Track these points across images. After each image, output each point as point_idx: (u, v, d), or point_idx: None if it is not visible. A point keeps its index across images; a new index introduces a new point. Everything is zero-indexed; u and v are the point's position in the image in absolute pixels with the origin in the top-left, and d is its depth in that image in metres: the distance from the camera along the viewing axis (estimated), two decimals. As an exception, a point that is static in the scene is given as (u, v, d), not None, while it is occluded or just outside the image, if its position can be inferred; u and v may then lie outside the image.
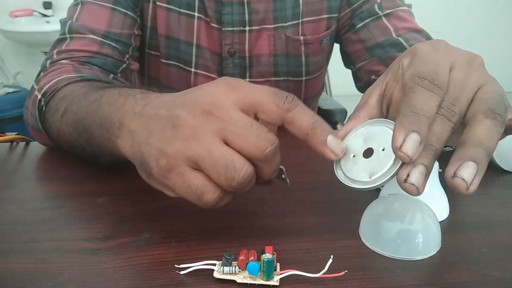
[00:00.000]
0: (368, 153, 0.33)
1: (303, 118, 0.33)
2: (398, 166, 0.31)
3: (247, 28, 0.72)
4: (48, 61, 0.64)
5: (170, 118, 0.33)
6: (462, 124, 0.34)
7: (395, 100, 0.36)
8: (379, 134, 0.34)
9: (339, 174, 0.34)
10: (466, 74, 0.33)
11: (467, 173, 0.29)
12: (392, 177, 0.31)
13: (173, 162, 0.32)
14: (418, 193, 0.30)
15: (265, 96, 0.33)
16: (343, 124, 0.37)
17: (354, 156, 0.34)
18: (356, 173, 0.33)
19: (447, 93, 0.32)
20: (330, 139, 0.33)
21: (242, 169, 0.31)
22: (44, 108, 0.55)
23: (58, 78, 0.57)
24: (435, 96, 0.31)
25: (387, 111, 0.38)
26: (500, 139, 0.33)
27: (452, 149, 0.53)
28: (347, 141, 0.35)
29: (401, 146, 0.30)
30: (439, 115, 0.32)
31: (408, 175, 0.30)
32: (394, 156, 0.31)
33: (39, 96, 0.56)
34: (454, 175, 0.29)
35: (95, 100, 0.44)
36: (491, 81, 0.34)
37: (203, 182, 0.32)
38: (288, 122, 0.33)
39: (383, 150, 0.32)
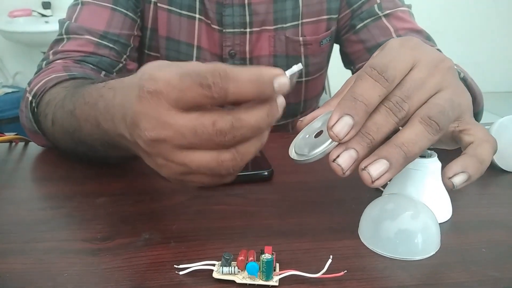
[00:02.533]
0: (319, 134, 0.35)
1: (245, 92, 0.30)
2: (332, 146, 0.33)
3: (247, 30, 0.72)
4: (44, 62, 0.64)
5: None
6: (454, 134, 0.36)
7: None
8: None
9: (290, 148, 0.36)
10: (427, 75, 0.33)
11: (375, 169, 0.32)
12: (323, 154, 0.33)
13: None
14: (344, 174, 0.32)
15: (188, 86, 0.29)
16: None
17: (308, 136, 0.36)
18: (301, 148, 0.35)
19: (400, 89, 0.32)
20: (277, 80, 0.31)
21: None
22: (36, 110, 0.56)
23: (47, 78, 0.57)
24: (379, 86, 0.32)
25: None
26: (451, 148, 0.35)
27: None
28: (309, 124, 0.37)
29: (333, 126, 0.31)
30: (385, 107, 0.32)
31: (338, 156, 0.32)
32: None
33: (30, 98, 0.57)
34: (364, 168, 0.32)
35: (71, 112, 0.45)
36: (453, 87, 0.34)
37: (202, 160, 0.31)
38: (234, 103, 0.30)
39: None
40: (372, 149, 0.33)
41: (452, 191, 0.35)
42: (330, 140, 0.33)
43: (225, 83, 0.29)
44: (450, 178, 0.33)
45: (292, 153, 0.36)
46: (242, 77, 0.29)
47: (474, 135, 0.35)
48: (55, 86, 0.55)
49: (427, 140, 0.32)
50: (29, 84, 0.60)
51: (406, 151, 0.32)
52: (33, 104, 0.56)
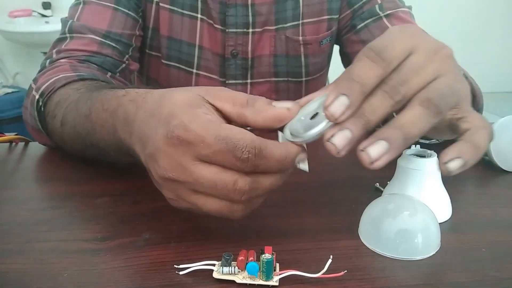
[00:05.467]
0: (315, 116, 0.35)
1: (271, 168, 0.33)
2: (327, 127, 0.32)
3: (250, 30, 0.72)
4: (48, 61, 0.64)
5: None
6: (452, 122, 0.35)
7: None
8: None
9: (284, 130, 0.35)
10: (426, 61, 0.33)
11: (374, 150, 0.31)
12: (319, 135, 0.33)
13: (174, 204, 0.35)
14: (338, 154, 0.32)
15: (221, 150, 0.31)
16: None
17: (303, 118, 0.35)
18: (296, 130, 0.35)
19: (398, 73, 0.32)
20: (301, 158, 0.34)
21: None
22: (42, 109, 0.55)
23: (55, 78, 0.57)
24: (376, 67, 0.31)
25: None
26: (448, 138, 0.33)
27: (438, 142, 0.53)
28: (305, 105, 0.36)
29: (329, 106, 0.31)
30: (382, 90, 0.32)
31: (332, 136, 0.32)
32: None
33: (37, 96, 0.56)
34: (363, 149, 0.32)
35: (87, 116, 0.45)
36: (452, 74, 0.34)
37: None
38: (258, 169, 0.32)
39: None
40: (368, 131, 0.32)
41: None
42: (326, 121, 0.33)
43: (258, 160, 0.31)
44: (445, 163, 0.33)
45: (287, 134, 0.36)
46: (273, 156, 0.32)
47: (471, 122, 0.35)
48: (64, 86, 0.55)
49: (426, 123, 0.32)
50: (34, 81, 0.59)
51: (405, 132, 0.31)
52: (40, 103, 0.56)
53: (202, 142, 0.31)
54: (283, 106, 0.34)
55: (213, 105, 0.34)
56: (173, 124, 0.31)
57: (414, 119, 0.32)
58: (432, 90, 0.32)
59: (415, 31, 0.35)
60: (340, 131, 0.32)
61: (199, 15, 0.72)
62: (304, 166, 0.34)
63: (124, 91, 0.41)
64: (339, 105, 0.31)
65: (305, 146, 0.34)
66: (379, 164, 0.32)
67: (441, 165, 0.33)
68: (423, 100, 0.32)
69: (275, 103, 0.34)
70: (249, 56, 0.74)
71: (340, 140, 0.32)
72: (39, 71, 0.63)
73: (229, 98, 0.34)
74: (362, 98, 0.31)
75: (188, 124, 0.31)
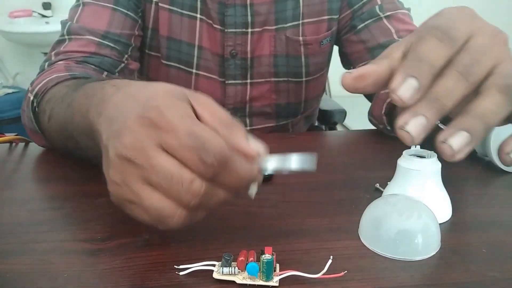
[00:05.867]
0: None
1: (229, 184, 0.30)
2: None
3: (249, 30, 0.72)
4: (46, 63, 0.65)
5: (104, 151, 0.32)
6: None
7: None
8: None
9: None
10: (489, 44, 0.31)
11: (457, 142, 0.29)
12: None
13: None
14: (413, 142, 0.30)
15: (188, 146, 0.29)
16: (343, 126, 0.37)
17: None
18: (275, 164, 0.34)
19: (468, 52, 0.30)
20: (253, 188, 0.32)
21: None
22: (36, 109, 0.56)
23: (49, 78, 0.57)
24: (444, 46, 0.30)
25: None
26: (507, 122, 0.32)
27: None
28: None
29: (396, 88, 0.30)
30: (455, 70, 0.30)
31: (405, 123, 0.30)
32: None
33: (32, 98, 0.57)
34: (445, 140, 0.29)
35: (69, 104, 0.44)
36: (510, 60, 0.32)
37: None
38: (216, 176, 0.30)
39: None
40: (440, 116, 0.30)
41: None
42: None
43: (221, 170, 0.29)
44: (443, 141, 0.30)
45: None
46: (236, 173, 0.30)
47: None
48: (56, 85, 0.55)
49: (505, 111, 0.30)
50: (31, 84, 0.60)
51: (486, 122, 0.29)
52: (34, 104, 0.56)
53: (172, 132, 0.29)
54: (256, 148, 0.31)
55: (193, 108, 0.32)
56: (151, 105, 0.30)
57: (495, 107, 0.29)
58: (507, 77, 0.30)
59: (472, 13, 0.33)
60: (414, 118, 0.29)
61: (198, 15, 0.72)
62: (252, 191, 0.33)
63: (110, 80, 0.40)
64: (408, 88, 0.29)
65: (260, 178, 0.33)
66: (461, 156, 0.30)
67: (440, 144, 0.30)
68: (502, 86, 0.30)
69: (251, 140, 0.32)
70: (248, 56, 0.74)
71: (415, 127, 0.29)
72: (38, 74, 0.63)
73: (211, 109, 0.32)
74: (432, 80, 0.30)
75: (165, 109, 0.29)
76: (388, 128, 0.62)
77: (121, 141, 0.30)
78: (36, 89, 0.57)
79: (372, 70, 0.33)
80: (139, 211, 0.31)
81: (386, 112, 0.62)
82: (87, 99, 0.40)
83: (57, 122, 0.48)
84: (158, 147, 0.29)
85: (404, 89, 0.29)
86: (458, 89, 0.30)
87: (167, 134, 0.29)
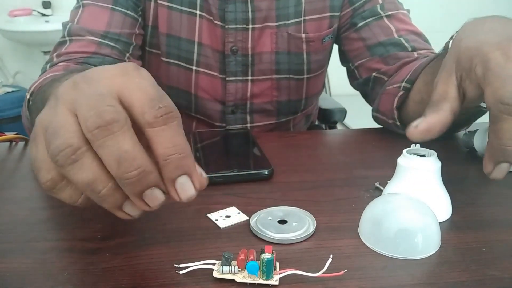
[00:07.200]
0: (283, 222, 0.39)
1: (162, 142, 0.27)
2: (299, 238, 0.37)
3: (250, 26, 0.72)
4: (48, 65, 0.65)
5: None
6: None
7: (469, 96, 0.38)
8: None
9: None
10: None
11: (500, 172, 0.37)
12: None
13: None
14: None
15: (141, 96, 0.27)
16: (342, 125, 0.38)
17: (270, 218, 0.39)
18: (264, 225, 0.38)
19: None
20: (183, 180, 0.28)
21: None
22: (31, 107, 0.56)
23: (45, 77, 0.57)
24: None
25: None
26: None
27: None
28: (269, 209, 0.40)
29: (491, 174, 0.37)
30: None
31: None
32: None
33: (28, 96, 0.57)
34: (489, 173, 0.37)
35: (44, 91, 0.44)
36: None
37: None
38: (148, 140, 0.27)
39: None
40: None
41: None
42: (300, 232, 0.37)
43: (102, 140, 0.26)
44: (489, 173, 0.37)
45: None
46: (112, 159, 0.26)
47: None
48: (50, 81, 0.55)
49: None
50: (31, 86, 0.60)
51: None
52: (30, 102, 0.56)
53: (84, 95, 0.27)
54: (181, 193, 0.29)
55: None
56: (87, 75, 0.29)
57: None
58: None
59: (509, 46, 0.36)
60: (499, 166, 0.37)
61: (198, 12, 0.72)
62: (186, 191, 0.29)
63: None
64: (501, 171, 0.36)
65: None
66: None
67: (488, 174, 0.37)
68: None
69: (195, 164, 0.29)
70: (249, 52, 0.74)
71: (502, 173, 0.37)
72: (39, 75, 0.63)
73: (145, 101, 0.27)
74: None
75: (91, 80, 0.28)
76: (398, 123, 0.61)
77: (85, 75, 0.29)
78: (32, 88, 0.57)
79: (437, 121, 0.38)
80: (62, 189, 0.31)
81: (397, 106, 0.61)
82: (57, 81, 0.40)
83: (36, 115, 0.47)
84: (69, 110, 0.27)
85: (498, 172, 0.37)
86: None
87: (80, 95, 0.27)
